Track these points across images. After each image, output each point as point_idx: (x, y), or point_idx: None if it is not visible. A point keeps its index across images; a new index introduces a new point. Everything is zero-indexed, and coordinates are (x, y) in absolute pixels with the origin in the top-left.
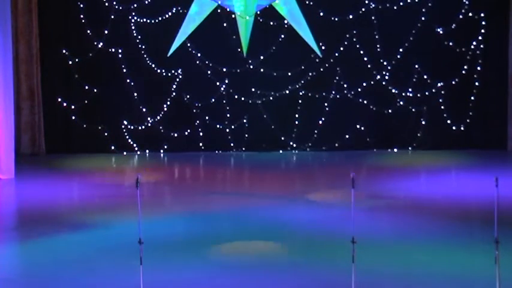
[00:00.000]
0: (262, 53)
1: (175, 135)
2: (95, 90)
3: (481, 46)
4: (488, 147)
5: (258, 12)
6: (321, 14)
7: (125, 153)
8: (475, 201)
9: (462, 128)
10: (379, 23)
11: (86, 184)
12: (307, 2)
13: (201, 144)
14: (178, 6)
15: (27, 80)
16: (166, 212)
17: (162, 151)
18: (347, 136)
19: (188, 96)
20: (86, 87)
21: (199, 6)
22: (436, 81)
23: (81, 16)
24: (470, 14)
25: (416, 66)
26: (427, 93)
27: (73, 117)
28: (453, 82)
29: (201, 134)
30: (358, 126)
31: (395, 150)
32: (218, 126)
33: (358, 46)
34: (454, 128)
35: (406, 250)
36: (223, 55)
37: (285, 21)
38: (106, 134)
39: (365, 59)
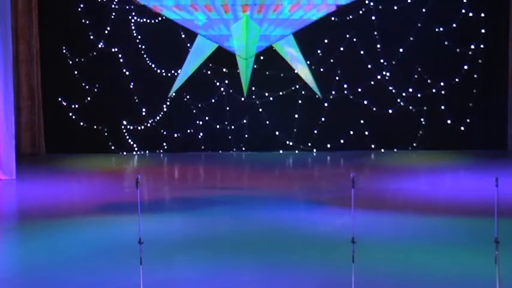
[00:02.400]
0: (262, 53)
1: (175, 135)
2: (95, 90)
3: (481, 46)
4: (488, 147)
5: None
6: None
7: (124, 153)
8: (475, 201)
9: (462, 128)
10: (379, 23)
11: (85, 184)
12: None
13: (201, 144)
14: None
15: (27, 80)
16: (166, 211)
17: (161, 151)
18: (347, 136)
19: (188, 96)
20: (86, 87)
21: (199, 47)
22: (436, 81)
23: (81, 16)
24: (470, 14)
25: (417, 66)
26: (427, 93)
27: (73, 117)
28: (453, 82)
29: (201, 134)
30: (358, 126)
31: (395, 150)
32: (218, 126)
33: (358, 46)
34: (454, 128)
35: (406, 250)
36: (223, 55)
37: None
38: (106, 134)
39: (365, 59)
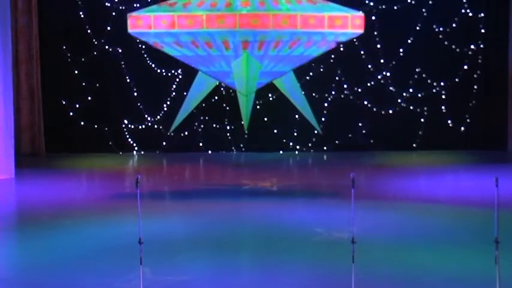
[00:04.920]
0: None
1: (175, 135)
2: (95, 90)
3: (481, 46)
4: (488, 147)
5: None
6: None
7: (125, 152)
8: (475, 201)
9: (462, 128)
10: (379, 23)
11: (85, 184)
12: None
13: (200, 144)
14: None
15: (27, 80)
16: (166, 212)
17: (161, 151)
18: (347, 136)
19: None
20: (86, 87)
21: (200, 84)
22: (437, 81)
23: (81, 16)
24: (470, 14)
25: (417, 66)
26: (427, 93)
27: (73, 117)
28: (453, 82)
29: (201, 134)
30: (358, 127)
31: (395, 150)
32: (218, 126)
33: (358, 46)
34: (454, 128)
35: (406, 250)
36: None
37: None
38: (106, 133)
39: (365, 59)
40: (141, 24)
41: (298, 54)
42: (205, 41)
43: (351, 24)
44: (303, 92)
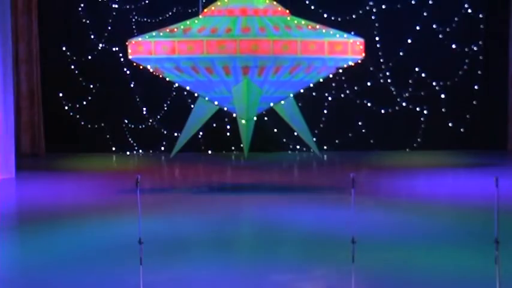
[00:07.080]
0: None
1: (176, 134)
2: (95, 90)
3: (482, 46)
4: (488, 147)
5: None
6: (324, 15)
7: (125, 152)
8: (475, 201)
9: (462, 129)
10: (379, 23)
11: (85, 184)
12: (307, 2)
13: (201, 144)
14: (178, 6)
15: (27, 80)
16: (166, 212)
17: (162, 151)
18: (347, 136)
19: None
20: (86, 87)
21: (200, 110)
22: (436, 81)
23: (82, 16)
24: (470, 14)
25: (417, 66)
26: (427, 93)
27: (73, 117)
28: (454, 82)
29: (201, 133)
30: (358, 126)
31: (395, 150)
32: (218, 126)
33: None
34: (454, 128)
35: (406, 250)
36: None
37: None
38: (106, 133)
39: (365, 59)
40: (141, 50)
41: (298, 80)
42: (206, 67)
43: (351, 50)
44: (303, 117)
